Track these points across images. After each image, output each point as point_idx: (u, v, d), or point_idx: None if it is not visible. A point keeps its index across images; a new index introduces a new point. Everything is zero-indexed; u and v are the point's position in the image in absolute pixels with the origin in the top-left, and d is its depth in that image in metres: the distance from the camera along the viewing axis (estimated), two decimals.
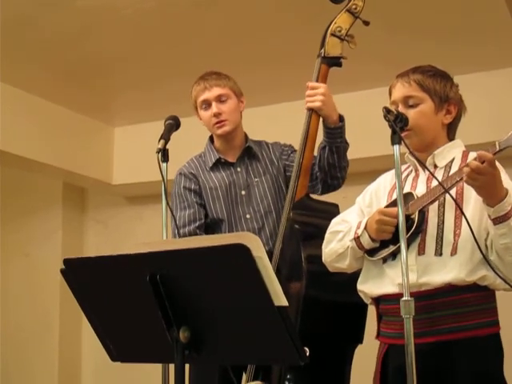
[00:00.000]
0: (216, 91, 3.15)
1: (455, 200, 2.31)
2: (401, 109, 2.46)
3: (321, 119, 2.95)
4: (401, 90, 2.51)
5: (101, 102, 5.84)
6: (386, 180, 2.62)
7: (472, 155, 2.43)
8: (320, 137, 2.99)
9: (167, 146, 2.95)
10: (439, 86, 2.50)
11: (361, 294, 2.53)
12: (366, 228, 2.43)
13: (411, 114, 2.44)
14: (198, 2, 4.19)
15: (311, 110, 2.93)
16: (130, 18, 4.35)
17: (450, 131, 2.56)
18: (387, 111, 2.27)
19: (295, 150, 3.18)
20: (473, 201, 2.34)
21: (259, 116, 5.20)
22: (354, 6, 2.95)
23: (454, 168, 2.43)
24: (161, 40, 4.67)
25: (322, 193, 3.09)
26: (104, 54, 4.89)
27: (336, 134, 2.95)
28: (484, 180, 2.17)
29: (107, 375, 6.02)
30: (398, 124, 2.26)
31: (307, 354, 2.09)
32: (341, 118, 2.96)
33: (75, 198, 6.80)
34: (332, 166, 3.00)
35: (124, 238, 6.40)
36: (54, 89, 5.45)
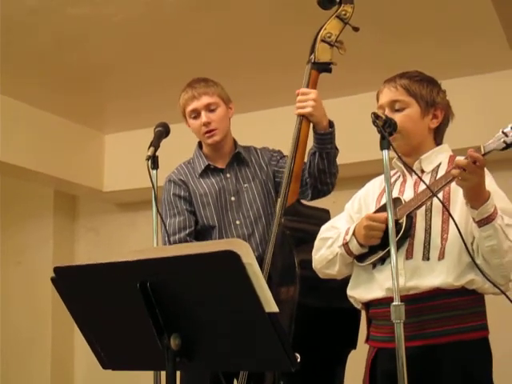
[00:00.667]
0: (205, 100, 3.14)
1: (443, 203, 2.32)
2: (387, 113, 2.47)
3: (311, 125, 2.95)
4: (387, 94, 2.53)
5: (91, 109, 5.84)
6: (375, 186, 2.63)
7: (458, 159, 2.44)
8: (310, 143, 2.99)
9: (157, 153, 2.95)
10: (425, 91, 2.52)
11: (351, 300, 2.53)
12: (354, 234, 2.44)
13: (397, 117, 2.45)
14: (187, 7, 4.18)
15: (302, 116, 2.93)
16: (120, 25, 4.35)
17: (437, 136, 2.57)
18: (376, 116, 2.28)
19: (284, 156, 3.19)
20: (459, 205, 2.36)
21: (249, 122, 5.21)
22: (343, 13, 2.96)
23: (441, 173, 2.44)
24: (151, 47, 4.67)
25: (312, 198, 3.09)
26: (94, 62, 4.89)
27: (326, 139, 2.95)
28: (474, 180, 2.18)
29: (99, 380, 5.99)
30: (386, 129, 2.27)
31: (298, 360, 2.09)
32: (331, 124, 2.97)
33: (66, 206, 6.79)
34: (322, 171, 3.01)
35: (116, 245, 6.40)
36: (45, 96, 5.44)
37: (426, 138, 2.53)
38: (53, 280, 1.89)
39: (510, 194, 2.41)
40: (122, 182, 6.19)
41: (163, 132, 2.99)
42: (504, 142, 2.19)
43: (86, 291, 1.90)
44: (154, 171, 2.89)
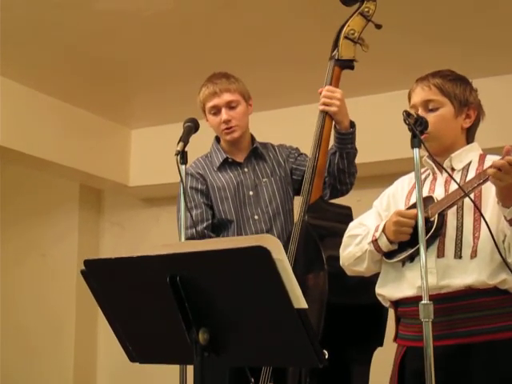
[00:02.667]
0: (226, 97, 3.14)
1: (475, 203, 2.31)
2: (421, 112, 2.47)
3: (333, 123, 2.96)
4: (420, 94, 2.52)
5: (118, 104, 5.87)
6: (404, 183, 2.62)
7: (489, 158, 2.44)
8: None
9: (186, 149, 2.95)
10: (459, 91, 2.51)
11: (379, 298, 2.53)
12: (383, 230, 2.44)
13: (431, 117, 2.45)
14: (213, 5, 4.20)
15: (324, 114, 2.93)
16: (148, 20, 4.36)
17: (469, 135, 2.56)
18: (407, 115, 2.28)
19: (302, 154, 3.21)
20: (491, 204, 2.34)
21: (268, 120, 5.22)
22: (366, 9, 2.96)
23: (471, 171, 2.44)
24: (178, 41, 4.68)
25: (330, 198, 3.09)
26: (122, 56, 4.91)
27: (347, 139, 2.96)
28: (509, 180, 2.17)
29: (123, 378, 6.03)
30: (417, 127, 2.26)
31: (326, 356, 2.09)
32: (352, 124, 2.98)
33: (92, 200, 6.82)
34: (342, 171, 3.02)
35: (140, 239, 6.41)
36: (72, 90, 5.48)
37: (458, 137, 2.53)
38: (82, 272, 1.91)
39: None
40: (147, 177, 6.21)
41: (192, 127, 2.99)
42: None
43: (116, 284, 1.91)
44: (183, 166, 2.89)
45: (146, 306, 1.90)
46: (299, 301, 1.68)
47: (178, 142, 2.89)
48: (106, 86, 5.40)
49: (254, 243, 1.65)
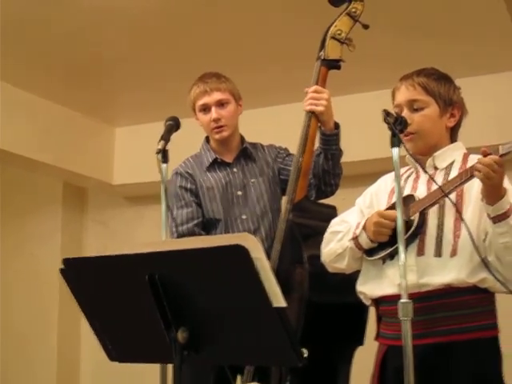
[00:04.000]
0: (216, 96, 3.14)
1: (454, 204, 2.32)
2: (405, 112, 2.47)
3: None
4: (405, 93, 2.51)
5: (102, 102, 5.85)
6: (387, 182, 2.62)
7: (472, 157, 2.44)
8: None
9: (167, 147, 2.95)
10: (443, 90, 2.52)
11: (361, 296, 2.53)
12: (364, 228, 2.44)
13: (416, 117, 2.46)
14: (199, 3, 4.20)
15: (311, 113, 2.94)
16: (133, 17, 4.36)
17: (453, 134, 2.57)
18: (387, 114, 2.28)
19: (290, 154, 3.20)
20: (473, 202, 2.35)
21: (255, 118, 5.20)
22: (353, 10, 2.96)
23: (454, 170, 2.44)
24: (163, 41, 4.68)
25: (315, 199, 3.08)
26: (106, 54, 4.89)
27: (332, 140, 2.96)
28: (496, 179, 2.18)
29: (106, 375, 6.01)
30: (397, 127, 2.27)
31: (305, 355, 2.09)
32: (336, 125, 2.98)
33: (75, 198, 6.79)
34: (326, 172, 3.02)
35: (124, 238, 6.39)
36: (56, 88, 5.45)
37: (443, 137, 2.53)
38: (62, 271, 1.90)
39: None
40: (131, 175, 6.19)
41: (174, 126, 2.98)
42: None
43: (95, 283, 1.91)
44: (164, 165, 2.89)
45: (125, 304, 1.90)
46: (278, 299, 1.68)
47: (159, 141, 2.89)
48: (89, 83, 5.39)
49: (233, 242, 1.65)
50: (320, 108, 2.91)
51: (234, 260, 1.67)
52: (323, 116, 2.92)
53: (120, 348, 1.98)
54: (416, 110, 2.48)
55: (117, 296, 1.90)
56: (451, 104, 2.52)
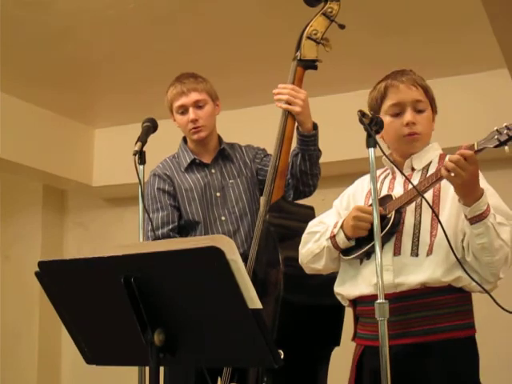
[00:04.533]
0: (193, 96, 3.14)
1: (430, 205, 2.32)
2: (410, 112, 2.46)
3: (295, 125, 2.96)
4: (409, 92, 2.50)
5: (81, 104, 5.82)
6: (364, 183, 2.63)
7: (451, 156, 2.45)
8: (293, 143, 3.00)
9: (144, 149, 2.94)
10: (433, 95, 2.55)
11: (338, 297, 2.53)
12: (342, 227, 2.44)
13: (420, 119, 2.48)
14: (176, 5, 4.19)
15: (287, 114, 2.93)
16: (110, 20, 4.35)
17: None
18: (362, 114, 2.27)
19: (268, 154, 3.20)
20: (450, 202, 2.36)
21: (234, 119, 5.22)
22: (329, 10, 2.96)
23: (431, 171, 2.44)
24: (142, 42, 4.67)
25: (294, 199, 3.09)
26: (84, 56, 4.88)
27: (310, 141, 2.96)
28: (466, 177, 2.18)
29: (86, 377, 5.99)
30: (373, 127, 2.27)
31: (281, 356, 2.09)
32: (314, 126, 2.97)
33: (55, 200, 6.77)
34: (304, 173, 3.02)
35: (104, 240, 6.38)
36: (34, 90, 5.43)
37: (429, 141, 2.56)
38: (37, 274, 1.89)
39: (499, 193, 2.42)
40: (111, 176, 6.17)
41: (151, 127, 2.98)
42: (497, 139, 2.19)
43: (70, 286, 1.90)
44: (141, 166, 2.88)
45: (101, 307, 1.89)
46: (253, 301, 1.68)
47: (136, 142, 2.88)
48: (68, 85, 5.37)
49: (208, 244, 1.65)
50: (297, 108, 2.90)
51: (210, 262, 1.66)
52: (300, 116, 2.92)
53: (96, 351, 1.97)
54: (419, 112, 2.49)
55: (93, 298, 1.89)
56: (435, 109, 2.56)
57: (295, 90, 2.93)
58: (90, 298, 1.89)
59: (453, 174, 2.19)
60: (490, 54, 4.24)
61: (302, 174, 3.02)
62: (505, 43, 3.72)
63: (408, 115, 2.47)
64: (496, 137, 2.19)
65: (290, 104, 2.91)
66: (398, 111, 2.49)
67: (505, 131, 2.18)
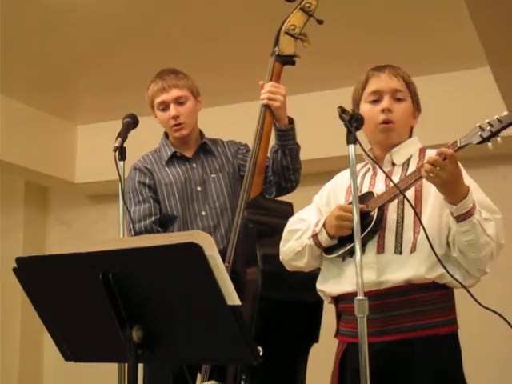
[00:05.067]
0: (174, 93, 3.13)
1: (411, 204, 2.32)
2: (387, 100, 2.46)
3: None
4: (389, 81, 2.50)
5: (64, 101, 5.81)
6: (344, 178, 2.62)
7: (429, 152, 2.45)
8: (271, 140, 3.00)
9: (126, 145, 2.93)
10: (416, 91, 2.55)
11: (320, 294, 2.53)
12: (324, 225, 2.43)
13: (397, 107, 2.47)
14: (159, 4, 4.19)
15: (266, 109, 2.94)
16: (95, 17, 4.35)
17: (410, 136, 2.58)
18: (342, 111, 2.27)
19: (250, 150, 3.18)
20: (432, 197, 2.35)
21: (216, 116, 5.21)
22: (307, 5, 2.96)
23: (412, 165, 2.45)
24: (124, 39, 4.68)
25: (276, 196, 3.09)
26: (67, 52, 4.87)
27: (288, 136, 2.97)
28: (445, 177, 2.18)
29: (68, 374, 5.97)
30: (353, 124, 2.26)
31: (260, 353, 2.08)
32: (291, 121, 2.98)
33: (37, 197, 6.74)
34: (286, 168, 3.01)
35: (87, 236, 6.35)
36: (16, 87, 5.41)
37: (407, 135, 2.55)
38: (14, 270, 1.88)
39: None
40: (93, 173, 6.15)
41: (131, 123, 2.97)
42: (480, 135, 2.20)
43: (49, 282, 1.89)
44: (122, 162, 2.86)
45: (79, 303, 1.88)
46: (232, 297, 1.67)
47: (117, 138, 2.87)
48: (51, 82, 5.35)
49: (187, 240, 1.64)
50: (277, 103, 2.91)
51: (188, 258, 1.66)
52: (278, 111, 2.93)
53: (75, 348, 1.96)
54: (398, 101, 2.49)
55: (71, 295, 1.88)
56: (417, 106, 2.56)
57: (275, 85, 2.94)
58: (69, 294, 1.88)
59: (432, 175, 2.19)
60: (472, 52, 4.25)
61: (283, 170, 3.02)
62: (487, 41, 3.72)
63: (385, 102, 2.47)
64: (479, 133, 2.19)
65: (270, 100, 2.91)
66: (376, 98, 2.49)
67: (487, 127, 2.19)
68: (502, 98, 4.34)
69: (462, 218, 2.23)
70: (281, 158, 2.99)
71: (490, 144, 2.21)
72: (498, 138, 2.20)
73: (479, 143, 2.20)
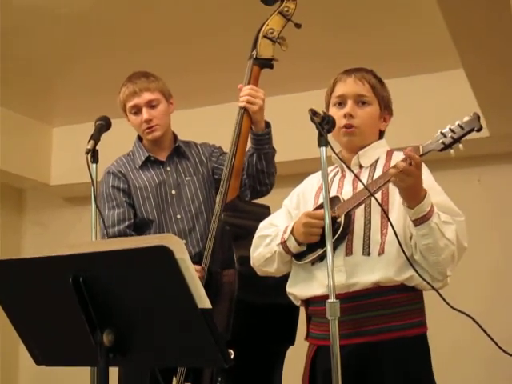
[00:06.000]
0: (146, 96, 3.11)
1: (380, 204, 2.32)
2: (350, 105, 2.48)
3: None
4: (354, 86, 2.51)
5: (39, 102, 5.78)
6: (313, 181, 2.62)
7: (396, 155, 2.47)
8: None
9: (100, 148, 2.91)
10: (385, 94, 2.57)
11: (290, 297, 2.52)
12: (292, 232, 2.43)
13: (361, 112, 2.49)
14: (132, 5, 4.19)
15: (243, 112, 2.94)
16: (68, 18, 4.33)
17: (380, 138, 2.60)
18: (313, 113, 2.27)
19: (225, 153, 3.18)
20: (398, 200, 2.36)
21: (191, 118, 5.21)
22: (286, 9, 2.97)
23: (379, 168, 2.46)
24: (98, 40, 4.65)
25: (251, 199, 3.09)
26: (41, 54, 4.85)
27: (264, 139, 2.97)
28: (410, 182, 2.20)
29: (44, 381, 5.93)
30: (324, 126, 2.27)
31: (232, 356, 2.08)
32: (267, 125, 2.98)
33: (12, 199, 6.69)
34: (261, 172, 3.02)
35: (63, 239, 6.30)
36: None
37: (375, 138, 2.56)
38: None
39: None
40: (69, 175, 6.10)
41: (104, 125, 2.95)
42: (442, 142, 2.22)
43: (18, 286, 1.87)
44: (94, 165, 2.85)
45: (50, 307, 1.87)
46: (203, 301, 1.67)
47: (89, 141, 2.85)
48: (25, 83, 5.32)
49: (157, 243, 1.63)
50: (255, 107, 2.92)
51: (159, 261, 1.65)
52: (256, 115, 2.93)
53: (46, 352, 1.95)
54: (362, 105, 2.50)
55: (41, 299, 1.86)
56: (387, 109, 2.57)
57: (254, 89, 2.94)
58: (40, 297, 1.87)
59: (397, 180, 2.20)
60: (446, 54, 4.28)
61: (258, 173, 3.02)
62: (460, 43, 3.75)
63: (347, 107, 2.49)
64: (441, 140, 2.22)
65: (249, 103, 2.91)
66: (341, 101, 2.51)
67: (449, 134, 2.21)
68: (476, 99, 4.37)
69: (419, 221, 2.24)
70: (256, 161, 2.99)
71: (452, 151, 2.23)
72: (460, 145, 2.22)
73: (442, 150, 2.23)
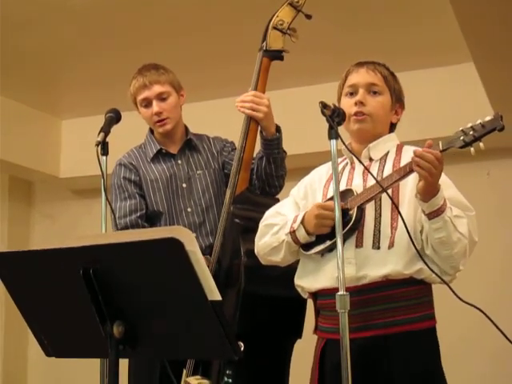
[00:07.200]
0: (156, 89, 3.10)
1: (390, 197, 2.32)
2: (362, 94, 2.48)
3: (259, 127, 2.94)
4: (365, 76, 2.52)
5: (48, 95, 5.79)
6: (322, 172, 2.62)
7: (406, 149, 2.48)
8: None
9: (110, 140, 2.91)
10: (397, 86, 2.57)
11: (298, 289, 2.52)
12: (302, 222, 2.43)
13: (372, 101, 2.49)
14: None
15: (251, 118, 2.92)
16: (76, 10, 4.32)
17: (391, 131, 2.59)
18: (324, 106, 2.27)
19: (236, 148, 3.16)
20: (408, 194, 2.36)
21: (203, 110, 5.21)
22: (296, 0, 2.95)
23: (389, 161, 2.46)
24: (108, 34, 4.67)
25: None
26: (51, 46, 4.85)
27: (273, 145, 2.94)
28: (437, 175, 2.21)
29: (52, 373, 5.95)
30: (335, 119, 2.26)
31: (242, 348, 2.08)
32: (278, 129, 2.96)
33: (22, 192, 6.71)
34: (270, 175, 3.00)
35: (72, 232, 6.32)
36: (0, 81, 5.36)
37: (385, 130, 2.56)
38: None
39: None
40: (78, 168, 6.12)
41: (114, 118, 2.95)
42: (463, 140, 2.21)
43: (29, 278, 1.88)
44: (104, 157, 2.85)
45: (60, 299, 1.87)
46: (213, 292, 1.67)
47: (99, 133, 2.86)
48: (35, 76, 5.33)
49: (167, 235, 1.63)
50: (260, 114, 2.88)
51: (169, 253, 1.65)
52: (263, 122, 2.90)
53: (56, 343, 1.95)
54: (373, 94, 2.50)
55: (52, 291, 1.87)
56: (398, 101, 2.57)
57: (257, 95, 2.90)
58: (50, 290, 1.87)
59: (424, 170, 2.20)
60: (457, 48, 4.26)
61: (267, 177, 3.01)
62: (470, 37, 3.73)
63: (358, 95, 2.49)
64: (462, 137, 2.21)
65: (253, 111, 2.89)
66: (352, 91, 2.52)
67: (470, 132, 2.21)
68: (486, 93, 4.36)
69: (433, 215, 2.24)
70: (265, 165, 2.97)
71: (472, 149, 2.22)
72: (481, 144, 2.22)
73: (462, 147, 2.23)
